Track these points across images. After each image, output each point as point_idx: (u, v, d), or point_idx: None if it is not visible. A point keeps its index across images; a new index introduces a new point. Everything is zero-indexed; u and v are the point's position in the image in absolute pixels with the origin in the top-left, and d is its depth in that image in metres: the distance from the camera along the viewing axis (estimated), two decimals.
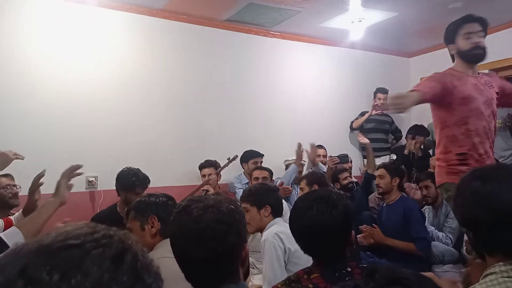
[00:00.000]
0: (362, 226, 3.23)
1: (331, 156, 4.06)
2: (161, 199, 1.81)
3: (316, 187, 2.98)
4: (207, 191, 3.42)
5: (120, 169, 3.17)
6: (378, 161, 4.43)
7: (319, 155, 4.39)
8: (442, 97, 2.29)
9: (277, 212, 2.28)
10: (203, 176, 3.74)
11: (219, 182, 3.86)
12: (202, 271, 1.08)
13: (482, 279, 1.05)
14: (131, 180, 3.03)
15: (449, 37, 2.42)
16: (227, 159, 3.70)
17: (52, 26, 3.52)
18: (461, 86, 2.32)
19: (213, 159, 3.80)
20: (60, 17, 3.55)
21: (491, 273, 1.03)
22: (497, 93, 2.44)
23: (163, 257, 1.40)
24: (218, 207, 1.12)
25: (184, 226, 1.11)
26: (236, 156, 3.76)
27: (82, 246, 0.48)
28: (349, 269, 1.41)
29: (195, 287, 1.11)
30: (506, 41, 4.49)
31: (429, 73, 5.92)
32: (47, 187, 3.28)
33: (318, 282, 1.38)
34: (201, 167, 3.80)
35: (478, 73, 2.46)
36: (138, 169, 3.14)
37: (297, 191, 3.74)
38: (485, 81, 2.44)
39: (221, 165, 3.74)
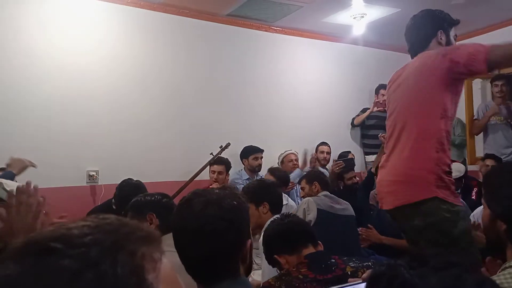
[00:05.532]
0: (360, 229, 3.21)
1: (335, 160, 4.06)
2: (156, 197, 1.89)
3: (316, 184, 2.98)
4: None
5: (121, 165, 3.11)
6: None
7: (322, 152, 4.40)
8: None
9: (275, 209, 2.25)
10: (213, 172, 3.72)
11: None
12: (200, 265, 1.08)
13: (500, 271, 1.02)
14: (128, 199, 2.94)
15: (444, 24, 2.05)
16: (219, 147, 3.69)
17: (50, 20, 3.50)
18: None
19: (225, 157, 3.78)
20: (58, 10, 3.54)
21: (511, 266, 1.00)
22: None
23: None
24: (220, 202, 1.09)
25: (185, 220, 1.09)
26: (228, 144, 3.74)
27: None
28: (333, 260, 1.53)
29: (194, 280, 1.11)
30: (507, 38, 4.46)
31: None
32: (46, 182, 3.31)
33: (307, 274, 1.48)
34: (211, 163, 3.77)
35: None
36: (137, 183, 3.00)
37: (298, 192, 3.76)
38: None
39: (229, 165, 3.75)
